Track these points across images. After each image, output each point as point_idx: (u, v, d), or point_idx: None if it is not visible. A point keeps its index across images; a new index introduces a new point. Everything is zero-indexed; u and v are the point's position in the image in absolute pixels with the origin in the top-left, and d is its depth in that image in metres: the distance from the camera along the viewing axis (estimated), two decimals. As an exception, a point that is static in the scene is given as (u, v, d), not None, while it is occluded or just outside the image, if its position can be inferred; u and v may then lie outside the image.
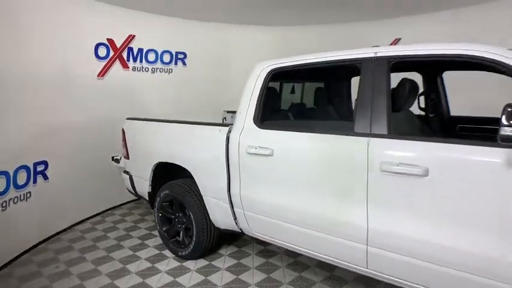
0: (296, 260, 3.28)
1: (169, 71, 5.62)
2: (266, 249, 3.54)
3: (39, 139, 3.80)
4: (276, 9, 5.45)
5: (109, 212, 4.85)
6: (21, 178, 3.59)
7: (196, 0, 4.76)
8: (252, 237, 2.88)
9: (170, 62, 5.62)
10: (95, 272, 3.18)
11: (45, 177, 3.95)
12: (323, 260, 2.42)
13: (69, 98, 4.24)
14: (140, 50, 5.24)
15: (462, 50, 1.88)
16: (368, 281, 2.83)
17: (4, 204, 3.35)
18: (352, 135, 2.15)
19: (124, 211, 4.88)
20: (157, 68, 5.46)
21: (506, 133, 1.46)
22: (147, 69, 5.33)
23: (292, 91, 4.16)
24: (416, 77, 3.42)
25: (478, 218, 1.71)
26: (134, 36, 5.12)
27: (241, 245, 3.64)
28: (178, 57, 5.72)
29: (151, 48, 5.38)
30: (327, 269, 3.08)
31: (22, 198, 3.62)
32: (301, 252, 2.55)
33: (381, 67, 2.13)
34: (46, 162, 3.95)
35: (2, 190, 3.32)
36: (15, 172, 3.51)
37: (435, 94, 3.29)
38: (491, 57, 1.77)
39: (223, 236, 3.43)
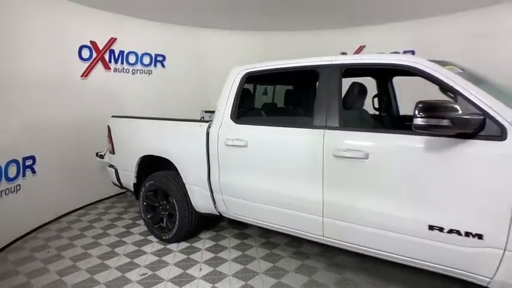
0: (268, 241, 3.74)
1: (149, 73, 5.96)
2: (241, 232, 3.98)
3: (27, 136, 4.06)
4: (251, 16, 5.90)
5: (93, 205, 5.13)
6: (12, 171, 3.85)
7: (175, 5, 5.14)
8: (229, 222, 3.30)
9: (150, 64, 5.96)
10: (85, 255, 3.51)
11: (33, 171, 4.21)
12: (290, 233, 2.90)
13: (54, 97, 4.50)
14: (121, 52, 5.55)
15: (393, 60, 2.41)
16: (328, 254, 3.33)
17: (-3, 196, 3.61)
18: (311, 128, 2.63)
19: (107, 204, 5.18)
20: (137, 70, 5.79)
21: (418, 123, 1.97)
22: (127, 71, 5.65)
23: (265, 92, 4.64)
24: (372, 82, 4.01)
25: (404, 189, 2.23)
26: (116, 39, 5.43)
27: (218, 230, 4.06)
28: (158, 59, 6.07)
29: (132, 50, 5.70)
30: (294, 246, 3.55)
31: (13, 190, 3.87)
32: (272, 228, 3.01)
33: (335, 73, 2.63)
34: (34, 157, 4.21)
35: (-5, 182, 3.59)
36: (6, 166, 3.77)
37: (386, 96, 3.85)
38: (413, 66, 2.30)
39: (202, 223, 3.84)
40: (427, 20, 6.30)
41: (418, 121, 1.96)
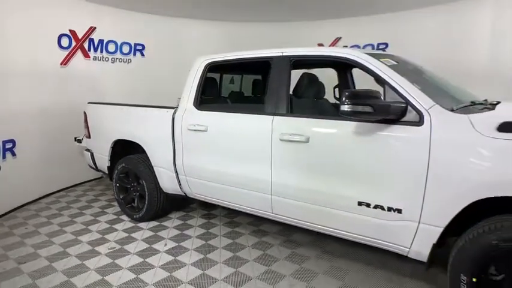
0: (232, 221, 4.00)
1: (129, 61, 6.13)
2: (209, 213, 4.24)
3: (8, 120, 4.25)
4: (226, 7, 6.07)
5: (72, 188, 5.36)
6: (-8, 154, 4.06)
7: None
8: (199, 204, 3.54)
9: (129, 52, 6.13)
10: (60, 232, 3.75)
11: (13, 154, 4.41)
12: (244, 210, 3.16)
13: (34, 84, 4.68)
14: (101, 41, 5.71)
15: (333, 52, 2.66)
16: (286, 232, 3.61)
17: (-23, 176, 3.82)
18: (262, 114, 2.87)
19: (86, 188, 5.40)
20: (117, 58, 5.96)
21: (344, 109, 2.20)
22: (107, 59, 5.82)
23: (232, 81, 4.85)
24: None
25: (337, 169, 2.50)
26: (95, 28, 5.58)
27: (188, 211, 4.32)
28: (137, 48, 6.24)
29: (111, 39, 5.86)
30: (254, 225, 3.83)
31: (-8, 171, 4.08)
32: (230, 207, 3.28)
33: (284, 64, 2.86)
34: (14, 140, 4.41)
35: (-26, 163, 3.79)
36: (-14, 148, 3.97)
37: (346, 86, 4.08)
38: (350, 58, 2.54)
39: (174, 205, 4.09)
40: (402, 13, 6.51)
41: (345, 108, 2.20)
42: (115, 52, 5.93)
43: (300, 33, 7.39)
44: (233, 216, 4.06)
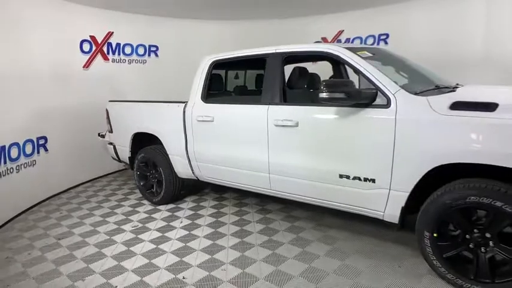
0: (240, 202, 4.47)
1: (144, 62, 6.65)
2: (220, 196, 4.71)
3: (40, 119, 4.83)
4: (234, 7, 6.49)
5: (98, 179, 5.94)
6: (28, 149, 4.64)
7: (164, 0, 5.78)
8: (211, 189, 4.00)
9: (144, 54, 6.65)
10: (90, 215, 4.30)
11: (46, 149, 5.00)
12: (248, 189, 3.62)
13: (61, 85, 5.24)
14: (118, 44, 6.25)
15: (318, 48, 3.07)
16: (287, 210, 4.05)
17: (18, 168, 4.41)
18: (260, 104, 3.31)
19: (110, 179, 5.97)
20: (133, 60, 6.49)
21: (323, 96, 2.61)
22: (124, 61, 6.35)
23: (236, 77, 5.30)
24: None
25: (321, 148, 2.92)
26: (113, 32, 6.12)
27: (201, 195, 4.81)
28: (151, 49, 6.75)
29: (127, 42, 6.39)
30: (260, 205, 4.28)
31: (30, 164, 4.67)
32: (235, 186, 3.75)
33: (278, 59, 3.29)
34: (46, 137, 4.99)
35: (15, 157, 4.37)
36: (24, 144, 4.55)
37: (340, 77, 4.46)
38: (331, 52, 2.95)
39: (189, 189, 4.59)
40: (401, 5, 6.78)
41: (324, 95, 2.62)
42: (131, 54, 6.45)
43: (305, 28, 7.76)
44: (242, 198, 4.53)
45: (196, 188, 4.88)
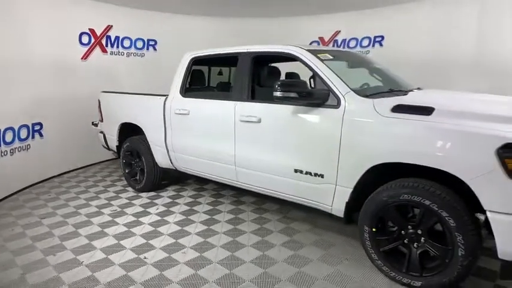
0: (218, 193, 4.67)
1: (142, 55, 6.90)
2: (201, 187, 4.93)
3: (36, 106, 5.12)
4: (232, 3, 6.66)
5: (90, 166, 6.23)
6: (23, 134, 4.94)
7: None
8: (195, 180, 4.21)
9: (143, 47, 6.90)
10: (75, 199, 4.57)
11: (41, 135, 5.29)
12: (218, 180, 3.83)
13: (59, 75, 5.52)
14: (117, 38, 6.50)
15: (281, 49, 3.22)
16: (259, 203, 4.24)
17: (12, 151, 4.71)
18: (229, 100, 3.50)
19: (102, 166, 6.26)
20: (131, 53, 6.74)
21: (277, 95, 2.78)
22: (122, 54, 6.61)
23: (220, 73, 5.48)
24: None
25: (280, 144, 3.09)
26: (112, 26, 6.38)
27: (184, 185, 5.03)
28: (150, 43, 6.99)
29: (126, 36, 6.64)
30: (236, 196, 4.48)
31: (24, 148, 4.97)
32: (207, 177, 3.95)
33: (247, 58, 3.46)
34: (41, 123, 5.28)
35: (10, 140, 4.67)
36: (19, 129, 4.85)
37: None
38: (293, 53, 3.11)
39: (174, 179, 4.82)
40: (396, 7, 6.87)
41: (278, 94, 2.79)
42: (130, 47, 6.71)
43: (302, 27, 7.91)
44: (220, 190, 4.73)
45: (179, 178, 5.10)
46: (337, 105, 2.75)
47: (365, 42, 7.39)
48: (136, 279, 2.74)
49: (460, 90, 3.67)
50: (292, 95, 2.75)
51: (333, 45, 7.70)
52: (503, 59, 5.61)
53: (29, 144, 5.06)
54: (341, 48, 3.65)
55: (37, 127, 5.22)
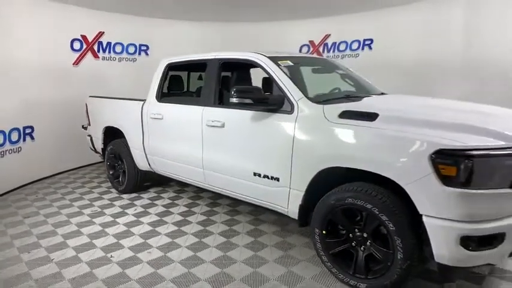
0: (197, 195, 4.79)
1: (134, 60, 7.08)
2: (182, 189, 5.05)
3: (28, 110, 5.33)
4: (224, 8, 6.79)
5: (82, 167, 6.43)
6: (14, 136, 5.15)
7: (154, 2, 6.14)
8: (178, 183, 4.34)
9: (135, 52, 7.08)
10: (61, 199, 4.75)
11: (32, 138, 5.50)
12: (189, 182, 3.95)
13: (50, 80, 5.73)
14: (109, 43, 6.70)
15: (244, 56, 3.33)
16: (234, 205, 4.35)
17: (2, 153, 4.92)
18: (198, 105, 3.62)
19: (93, 168, 6.45)
20: (123, 58, 6.93)
21: (233, 101, 2.88)
22: (114, 59, 6.80)
23: (200, 78, 5.59)
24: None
25: (240, 148, 3.20)
26: (104, 32, 6.57)
27: (167, 186, 5.16)
28: (142, 48, 7.17)
29: (118, 41, 6.83)
30: (212, 199, 4.59)
31: (15, 151, 5.18)
32: (179, 179, 4.08)
33: (214, 65, 3.58)
34: (33, 127, 5.49)
35: (1, 143, 4.88)
36: (10, 132, 5.06)
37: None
38: (253, 60, 3.21)
39: (161, 182, 4.96)
40: (385, 10, 6.91)
41: (234, 100, 2.90)
42: (121, 52, 6.90)
43: (293, 31, 8.00)
44: (199, 192, 4.85)
45: (162, 180, 5.23)
46: (291, 111, 2.84)
47: (354, 46, 7.44)
48: (98, 276, 2.87)
49: (429, 96, 3.71)
50: (247, 101, 2.85)
51: (323, 49, 7.78)
52: (492, 62, 5.60)
53: (20, 147, 5.26)
54: (312, 55, 3.67)
55: (28, 130, 5.43)
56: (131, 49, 7.01)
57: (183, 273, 2.90)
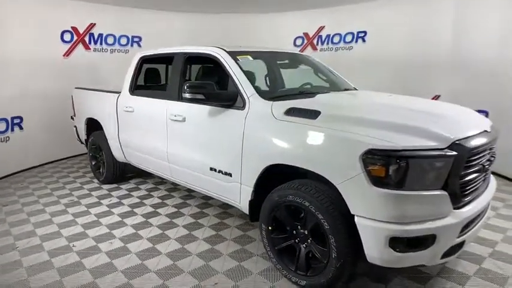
0: (175, 187, 4.85)
1: (126, 51, 7.14)
2: (161, 181, 5.12)
3: (17, 101, 5.48)
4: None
5: (73, 157, 6.58)
6: (2, 126, 5.31)
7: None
8: (157, 176, 4.43)
9: (127, 44, 7.14)
10: (43, 188, 4.89)
11: (21, 128, 5.66)
12: (158, 175, 4.00)
13: (40, 71, 5.85)
14: (100, 35, 6.77)
15: (204, 50, 3.33)
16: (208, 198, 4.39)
17: (-12, 143, 5.09)
18: (164, 99, 3.65)
19: (83, 158, 6.57)
20: (115, 49, 7.00)
21: (185, 96, 2.90)
22: (106, 50, 6.88)
23: None
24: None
25: (198, 142, 3.22)
26: (95, 24, 6.64)
27: (148, 178, 5.24)
28: (134, 40, 7.23)
29: (110, 33, 6.90)
30: (189, 191, 4.64)
31: (3, 140, 5.34)
32: (150, 171, 4.14)
33: (180, 59, 3.59)
34: (21, 117, 5.64)
35: (-13, 133, 5.05)
36: (-3, 122, 5.22)
37: (273, 75, 4.66)
38: (212, 54, 3.21)
39: (146, 174, 5.05)
40: (379, 2, 6.76)
41: (186, 95, 2.92)
42: (113, 44, 6.97)
43: (287, 23, 7.92)
44: (176, 186, 4.90)
45: (144, 172, 5.30)
46: (243, 107, 2.84)
47: (348, 38, 7.32)
48: (55, 265, 2.97)
49: (396, 93, 3.63)
50: (199, 96, 2.86)
51: (317, 41, 7.68)
52: (485, 56, 5.44)
53: (8, 137, 5.42)
54: (281, 50, 3.60)
55: (17, 120, 5.58)
56: (123, 40, 7.07)
57: (136, 264, 2.96)
